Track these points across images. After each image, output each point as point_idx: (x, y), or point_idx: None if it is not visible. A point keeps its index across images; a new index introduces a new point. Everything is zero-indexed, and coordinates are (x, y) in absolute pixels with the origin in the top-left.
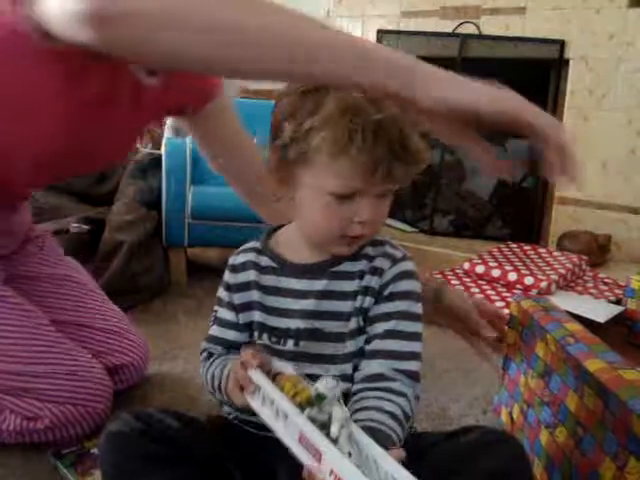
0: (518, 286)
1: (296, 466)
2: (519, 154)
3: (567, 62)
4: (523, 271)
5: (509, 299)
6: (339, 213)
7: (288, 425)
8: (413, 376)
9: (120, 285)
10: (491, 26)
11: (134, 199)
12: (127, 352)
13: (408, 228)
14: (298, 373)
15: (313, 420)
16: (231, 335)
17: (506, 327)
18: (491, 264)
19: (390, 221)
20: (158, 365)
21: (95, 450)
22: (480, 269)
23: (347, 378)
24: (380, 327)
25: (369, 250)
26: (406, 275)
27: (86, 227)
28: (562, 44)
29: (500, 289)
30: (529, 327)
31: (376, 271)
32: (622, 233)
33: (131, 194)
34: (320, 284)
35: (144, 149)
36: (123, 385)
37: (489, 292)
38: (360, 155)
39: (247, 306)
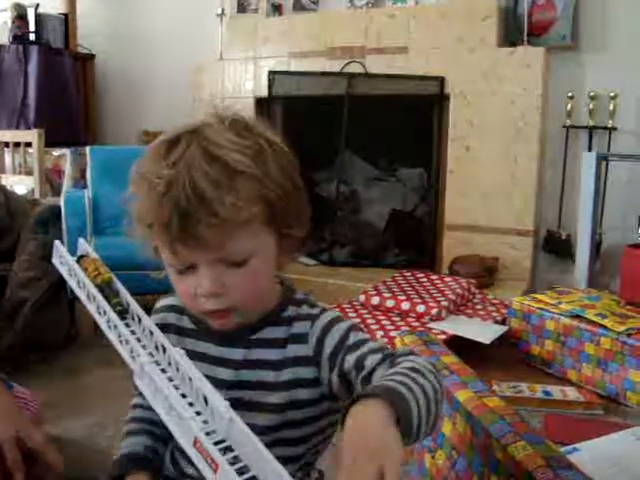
0: (411, 314)
1: None
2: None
3: (448, 97)
4: (415, 299)
5: (403, 328)
6: (186, 288)
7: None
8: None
9: (26, 342)
10: (376, 65)
11: (36, 254)
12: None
13: (310, 261)
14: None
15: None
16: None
17: None
18: (385, 295)
19: None
20: (68, 419)
21: None
22: (375, 300)
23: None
24: (352, 360)
25: (289, 312)
26: (332, 323)
27: None
28: (442, 80)
29: (395, 318)
30: None
31: (300, 338)
32: (509, 254)
33: (32, 249)
34: (239, 353)
35: (44, 200)
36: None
37: (384, 322)
38: (156, 219)
39: None
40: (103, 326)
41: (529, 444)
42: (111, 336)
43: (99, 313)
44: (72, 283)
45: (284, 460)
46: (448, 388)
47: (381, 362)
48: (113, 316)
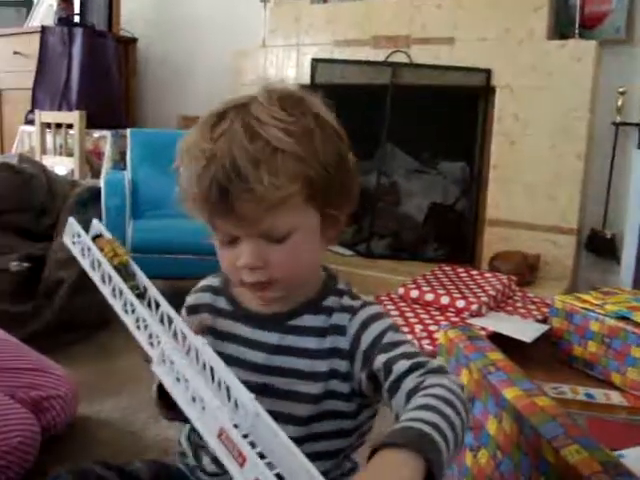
0: (451, 309)
1: None
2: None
3: (494, 90)
4: (455, 294)
5: (442, 323)
6: (228, 259)
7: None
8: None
9: (62, 322)
10: (421, 55)
11: None
12: (53, 386)
13: (346, 252)
14: None
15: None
16: None
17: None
18: (424, 288)
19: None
20: (102, 401)
21: None
22: (414, 294)
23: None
24: (383, 360)
25: (330, 302)
26: (371, 319)
27: (26, 265)
28: (488, 73)
29: (434, 312)
30: (455, 355)
31: (339, 329)
32: (551, 252)
33: None
34: (274, 337)
35: (84, 182)
36: (60, 419)
37: (423, 316)
38: (198, 192)
39: None
40: (118, 309)
41: (583, 448)
42: (127, 320)
43: (114, 296)
44: (85, 263)
45: (322, 454)
46: (495, 385)
47: (409, 371)
48: (131, 298)
